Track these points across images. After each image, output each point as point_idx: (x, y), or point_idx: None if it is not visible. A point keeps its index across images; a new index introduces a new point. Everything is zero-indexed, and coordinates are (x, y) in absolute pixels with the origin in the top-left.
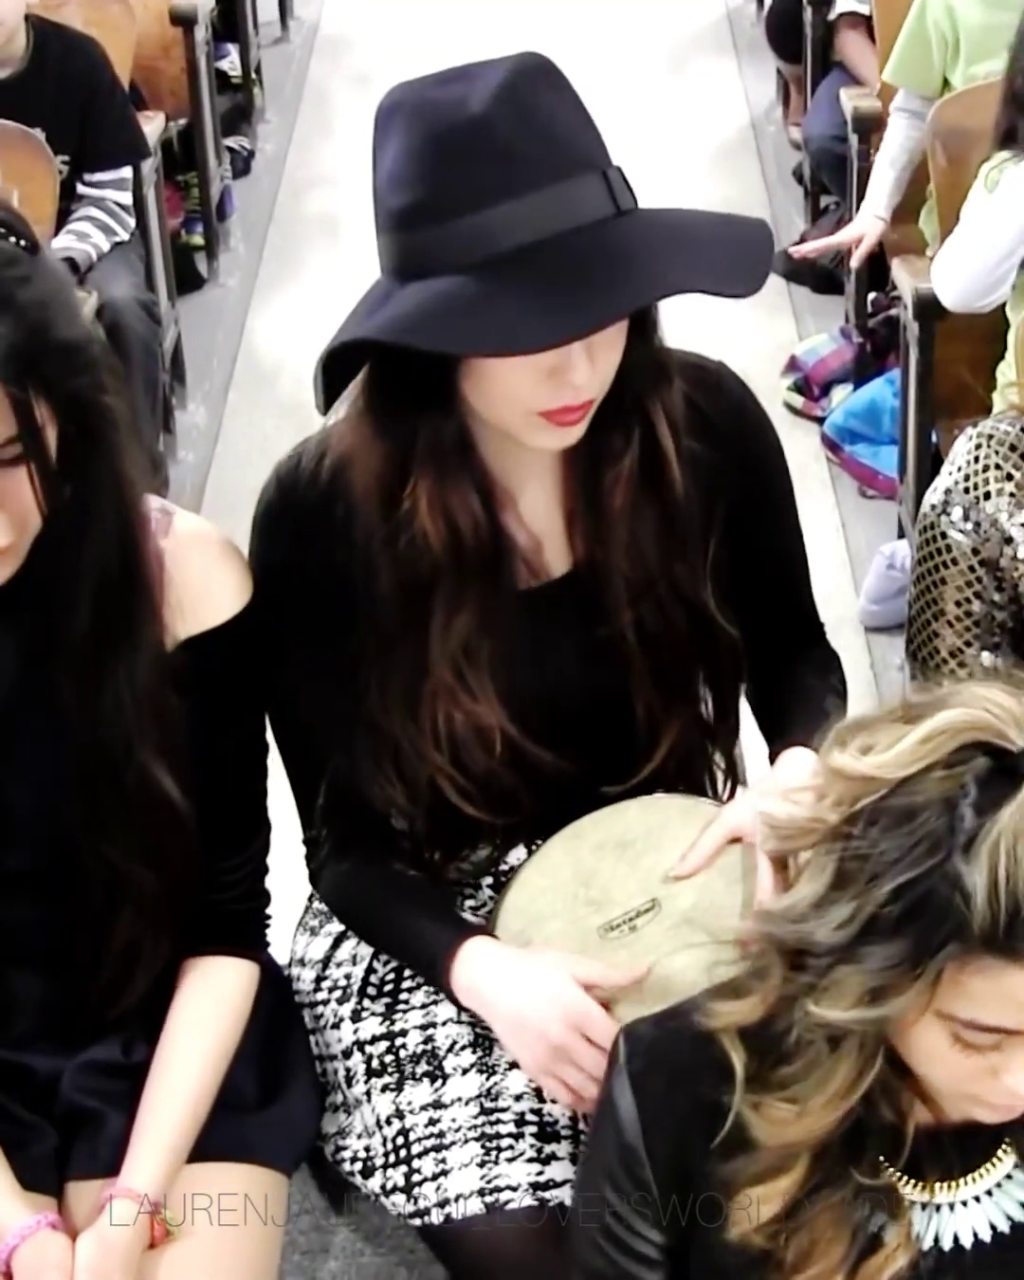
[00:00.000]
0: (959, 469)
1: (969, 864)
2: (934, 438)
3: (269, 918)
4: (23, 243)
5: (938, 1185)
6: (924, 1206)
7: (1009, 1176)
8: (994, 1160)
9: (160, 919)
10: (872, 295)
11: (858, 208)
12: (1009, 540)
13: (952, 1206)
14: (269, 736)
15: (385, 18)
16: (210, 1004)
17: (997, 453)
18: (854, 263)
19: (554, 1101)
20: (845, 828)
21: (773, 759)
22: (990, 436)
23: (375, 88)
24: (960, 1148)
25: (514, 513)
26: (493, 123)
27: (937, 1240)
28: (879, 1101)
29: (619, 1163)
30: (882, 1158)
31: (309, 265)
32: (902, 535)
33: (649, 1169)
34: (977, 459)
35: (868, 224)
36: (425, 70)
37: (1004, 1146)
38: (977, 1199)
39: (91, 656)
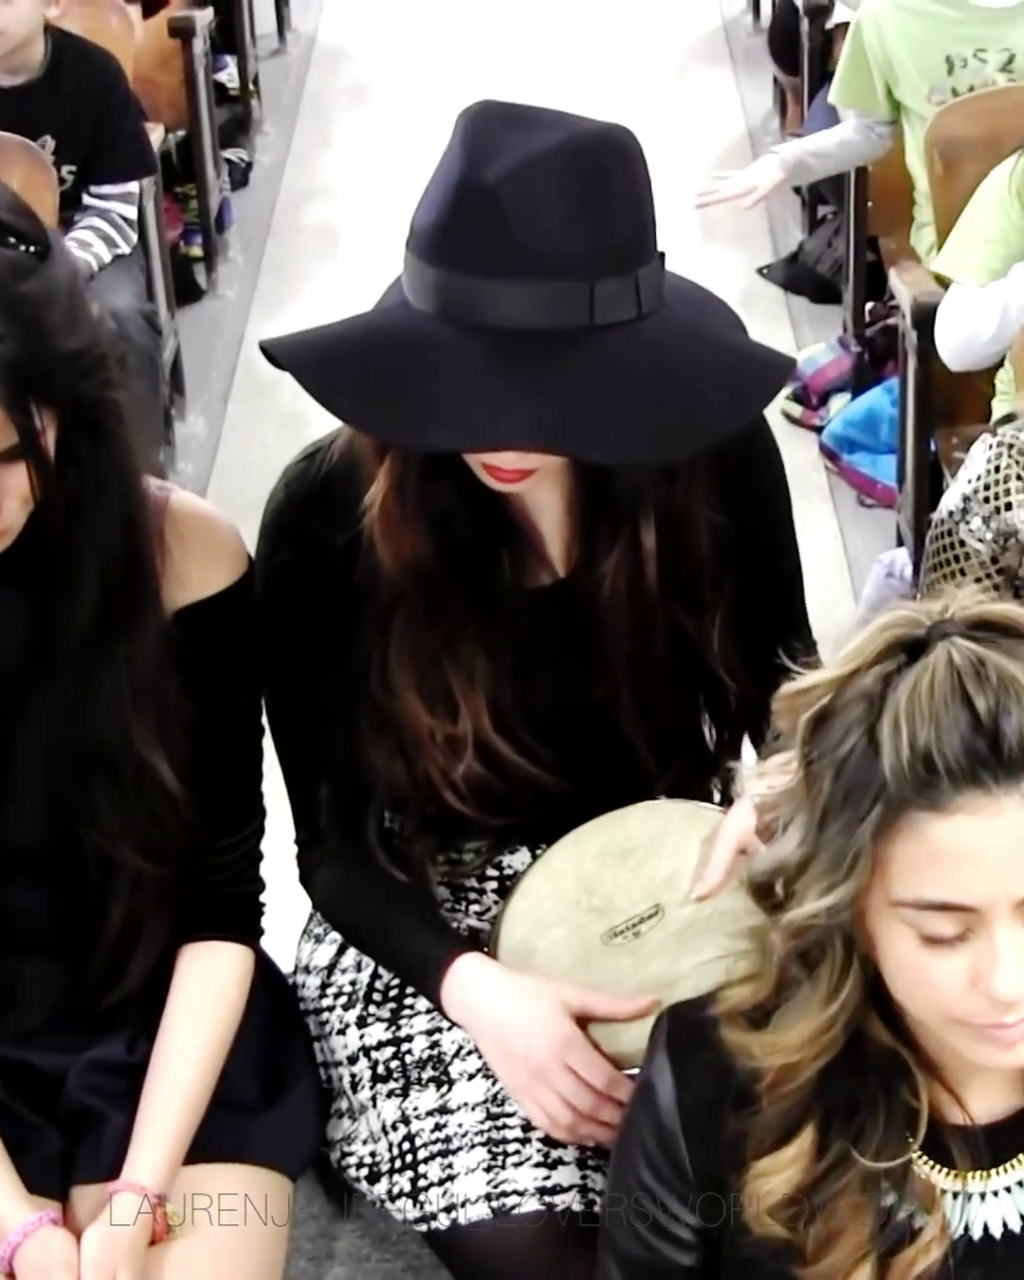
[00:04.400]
0: (979, 477)
1: (883, 726)
2: (933, 446)
3: (263, 905)
4: (32, 247)
5: (970, 1175)
6: (955, 1195)
7: None
8: None
9: (156, 905)
10: (869, 304)
11: (855, 217)
12: None
13: (982, 1196)
14: (266, 732)
15: (383, 29)
16: (205, 992)
17: (1017, 462)
18: (747, 204)
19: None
20: (804, 753)
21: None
22: (1011, 445)
23: (373, 99)
24: (994, 1142)
25: (520, 512)
26: (500, 202)
27: (966, 1229)
28: (883, 1074)
29: (657, 1143)
30: (906, 1139)
31: (308, 276)
32: (900, 543)
33: (685, 1151)
34: (997, 468)
35: (763, 171)
36: (423, 82)
37: None
38: (1009, 1189)
39: (93, 642)
